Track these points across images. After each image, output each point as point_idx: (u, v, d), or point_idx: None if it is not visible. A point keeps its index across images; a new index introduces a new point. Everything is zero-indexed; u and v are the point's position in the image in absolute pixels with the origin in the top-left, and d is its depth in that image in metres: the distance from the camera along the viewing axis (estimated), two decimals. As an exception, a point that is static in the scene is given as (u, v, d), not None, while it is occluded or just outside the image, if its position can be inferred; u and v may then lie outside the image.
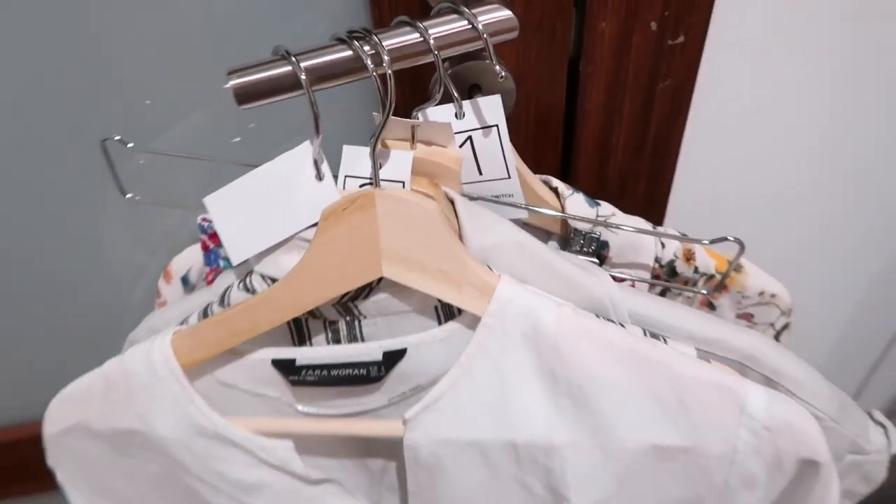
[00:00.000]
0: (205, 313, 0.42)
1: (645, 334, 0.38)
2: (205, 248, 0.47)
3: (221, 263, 0.47)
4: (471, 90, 0.45)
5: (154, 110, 0.50)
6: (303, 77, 0.33)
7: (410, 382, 0.42)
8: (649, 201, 0.55)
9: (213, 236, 0.46)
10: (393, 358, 0.40)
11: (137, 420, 0.42)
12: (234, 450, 0.42)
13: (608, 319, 0.38)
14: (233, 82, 0.33)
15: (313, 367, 0.41)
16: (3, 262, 0.57)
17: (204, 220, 0.46)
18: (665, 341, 0.38)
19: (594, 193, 0.45)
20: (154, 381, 0.40)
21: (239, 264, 0.46)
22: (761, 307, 0.49)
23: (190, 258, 0.50)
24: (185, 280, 0.51)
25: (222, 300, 0.42)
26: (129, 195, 0.45)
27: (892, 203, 0.63)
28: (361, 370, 0.40)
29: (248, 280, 0.41)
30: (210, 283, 0.49)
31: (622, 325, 0.38)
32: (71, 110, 0.49)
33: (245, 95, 0.33)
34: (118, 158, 0.43)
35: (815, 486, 0.38)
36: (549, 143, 0.50)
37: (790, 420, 0.36)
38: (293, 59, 0.33)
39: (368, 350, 0.40)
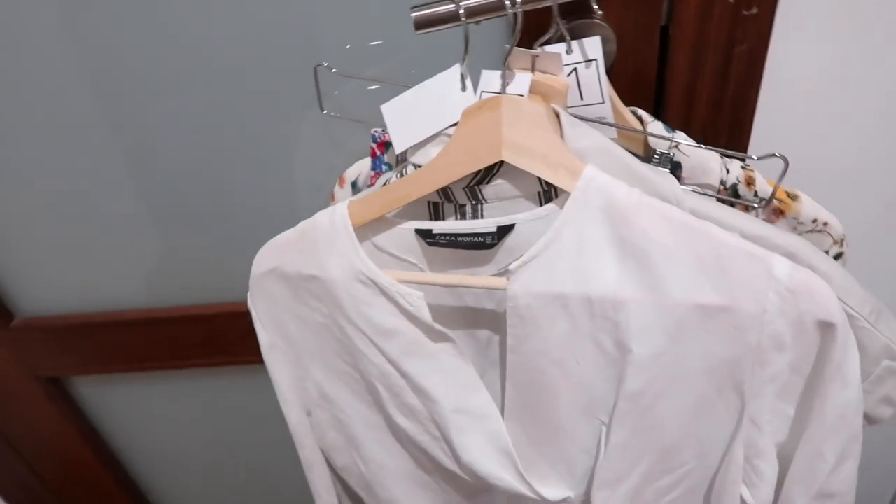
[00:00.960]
0: (369, 199, 0.58)
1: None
2: (373, 154, 0.63)
3: (384, 168, 0.63)
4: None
5: (348, 54, 0.67)
6: (461, 12, 0.48)
7: (517, 253, 0.54)
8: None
9: (381, 145, 0.62)
10: (503, 230, 0.54)
11: (317, 266, 0.57)
12: (381, 297, 0.56)
13: (671, 210, 0.50)
14: (414, 14, 0.49)
15: (445, 234, 0.55)
16: (212, 170, 0.77)
17: (375, 131, 0.62)
18: (716, 229, 0.49)
19: (678, 141, 0.56)
20: (333, 234, 0.56)
21: (397, 165, 0.62)
22: (815, 234, 0.57)
23: (359, 167, 0.66)
24: (354, 185, 0.67)
25: (384, 186, 0.57)
26: (325, 111, 0.62)
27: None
28: (480, 238, 0.54)
29: (403, 170, 0.56)
30: (373, 183, 0.65)
31: (682, 214, 0.50)
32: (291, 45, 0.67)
33: (421, 23, 0.49)
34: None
35: (832, 347, 0.46)
36: (642, 95, 0.62)
37: (808, 284, 0.45)
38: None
39: (486, 224, 0.54)
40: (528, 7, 0.48)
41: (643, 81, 0.61)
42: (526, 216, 0.53)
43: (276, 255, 0.60)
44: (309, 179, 0.76)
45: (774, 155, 0.50)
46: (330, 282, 0.57)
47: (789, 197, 0.56)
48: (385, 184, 0.57)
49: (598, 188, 0.48)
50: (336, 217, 0.56)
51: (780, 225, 0.57)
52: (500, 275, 0.56)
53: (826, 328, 0.46)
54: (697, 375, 0.51)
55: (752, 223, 0.51)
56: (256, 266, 0.61)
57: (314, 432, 0.67)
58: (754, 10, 0.56)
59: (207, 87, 0.70)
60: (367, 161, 0.65)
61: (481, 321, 0.60)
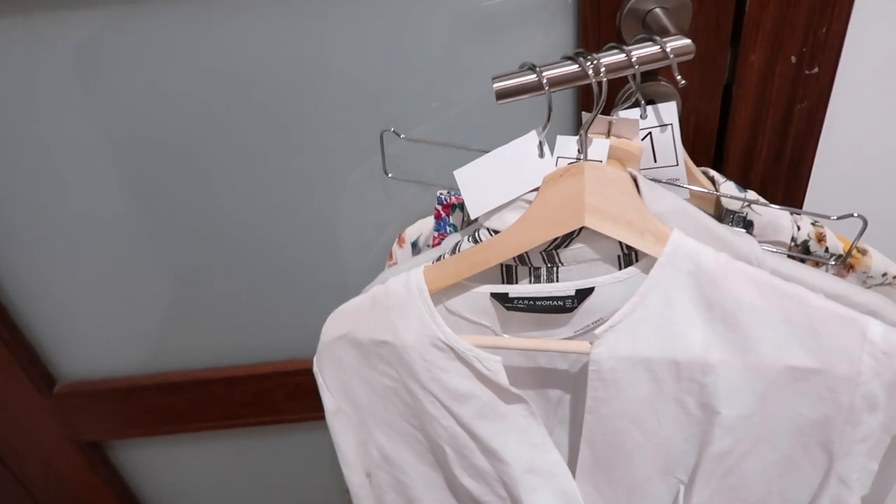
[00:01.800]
0: (437, 261, 0.58)
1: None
2: (437, 216, 0.63)
3: (448, 230, 0.64)
4: (647, 104, 0.59)
5: (401, 112, 0.68)
6: (544, 81, 0.49)
7: (594, 316, 0.55)
8: (786, 205, 0.66)
9: (447, 207, 0.62)
10: (583, 294, 0.54)
11: (390, 331, 0.57)
12: (456, 362, 0.56)
13: (754, 271, 0.50)
14: (496, 85, 0.50)
15: (522, 298, 0.55)
16: (273, 232, 0.77)
17: (441, 193, 0.62)
18: (800, 290, 0.50)
19: (740, 194, 0.57)
20: (407, 299, 0.56)
21: (464, 227, 0.62)
22: (884, 287, 0.58)
23: (420, 227, 0.66)
24: (414, 244, 0.67)
25: (454, 251, 0.57)
26: (390, 175, 0.62)
27: None
28: (559, 302, 0.54)
29: (476, 234, 0.56)
30: (436, 245, 0.65)
31: (765, 276, 0.50)
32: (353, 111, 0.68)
33: (503, 93, 0.50)
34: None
35: (927, 408, 0.47)
36: (704, 150, 0.63)
37: (904, 346, 0.46)
38: (538, 69, 0.49)
39: (564, 287, 0.54)
40: (612, 76, 0.49)
41: (704, 138, 0.62)
42: (606, 279, 0.53)
43: (347, 321, 0.59)
44: (359, 237, 0.76)
45: (853, 215, 0.51)
46: (402, 347, 0.57)
47: (859, 252, 0.57)
48: (456, 247, 0.57)
49: (685, 253, 0.49)
50: (411, 283, 0.56)
51: (850, 279, 0.58)
52: (576, 337, 0.56)
53: (921, 389, 0.46)
54: (785, 435, 0.51)
55: (833, 282, 0.51)
56: (326, 333, 0.60)
57: (372, 493, 0.66)
58: (815, 70, 0.58)
59: (255, 138, 0.70)
60: (429, 221, 0.65)
61: (553, 381, 0.61)
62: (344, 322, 0.59)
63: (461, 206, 0.62)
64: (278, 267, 0.79)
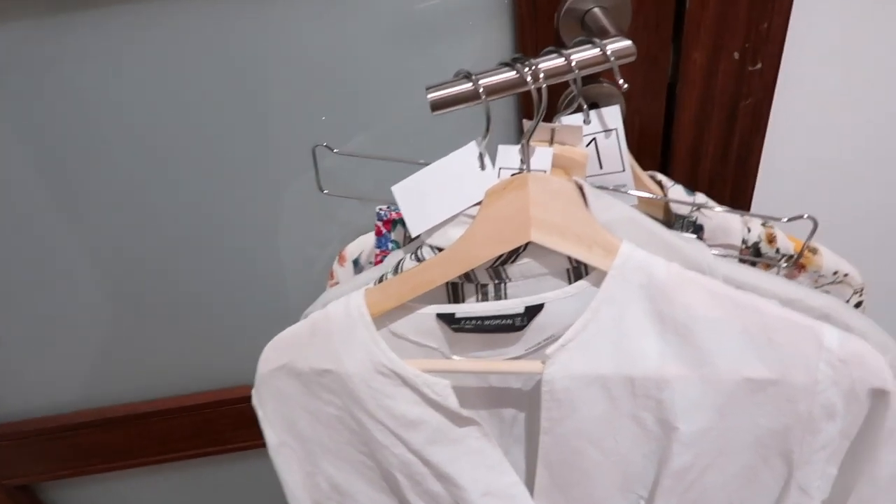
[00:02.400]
0: (379, 281, 0.55)
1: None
2: (378, 232, 0.60)
3: (390, 245, 0.60)
4: (590, 107, 0.57)
5: (333, 124, 0.64)
6: (481, 90, 0.46)
7: (545, 333, 0.52)
8: (734, 202, 0.65)
9: (387, 222, 0.59)
10: (532, 311, 0.51)
11: (331, 360, 0.54)
12: (403, 388, 0.53)
13: (706, 279, 0.48)
14: (430, 95, 0.46)
15: (469, 318, 0.52)
16: (204, 250, 0.72)
17: (380, 209, 0.59)
18: (754, 297, 0.48)
19: (687, 193, 0.55)
20: (349, 326, 0.52)
21: (408, 244, 0.59)
22: (836, 286, 0.57)
23: (361, 244, 0.63)
24: (356, 262, 0.64)
25: (396, 269, 0.54)
26: (325, 191, 0.58)
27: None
28: (508, 320, 0.52)
29: (418, 252, 0.53)
30: (378, 262, 0.61)
31: (718, 283, 0.48)
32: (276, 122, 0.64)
33: (439, 104, 0.46)
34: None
35: (886, 413, 0.46)
36: (649, 151, 0.61)
37: (861, 353, 0.44)
38: (473, 77, 0.46)
39: (513, 305, 0.51)
40: (552, 82, 0.46)
41: (650, 138, 0.60)
42: (556, 294, 0.51)
43: (285, 351, 0.55)
44: (299, 255, 0.72)
45: (803, 216, 0.49)
46: (346, 375, 0.54)
47: (810, 251, 0.55)
48: (398, 265, 0.53)
49: (636, 266, 0.47)
50: (352, 308, 0.52)
51: (802, 279, 0.57)
52: (528, 355, 0.54)
53: (879, 395, 0.46)
54: (744, 447, 0.50)
55: (786, 286, 0.50)
56: (263, 364, 0.56)
57: (323, 525, 0.63)
58: (759, 66, 0.56)
59: (186, 156, 0.65)
60: (370, 238, 0.62)
61: (506, 400, 0.58)
62: (282, 352, 0.56)
63: (402, 222, 0.59)
64: (215, 289, 0.75)
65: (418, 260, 0.53)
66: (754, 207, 0.65)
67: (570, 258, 0.50)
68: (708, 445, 0.50)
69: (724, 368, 0.47)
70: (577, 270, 0.51)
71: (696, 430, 0.49)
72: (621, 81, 0.46)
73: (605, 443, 0.53)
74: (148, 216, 0.69)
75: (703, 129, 0.60)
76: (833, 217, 0.70)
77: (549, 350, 0.50)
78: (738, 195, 0.64)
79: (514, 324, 0.52)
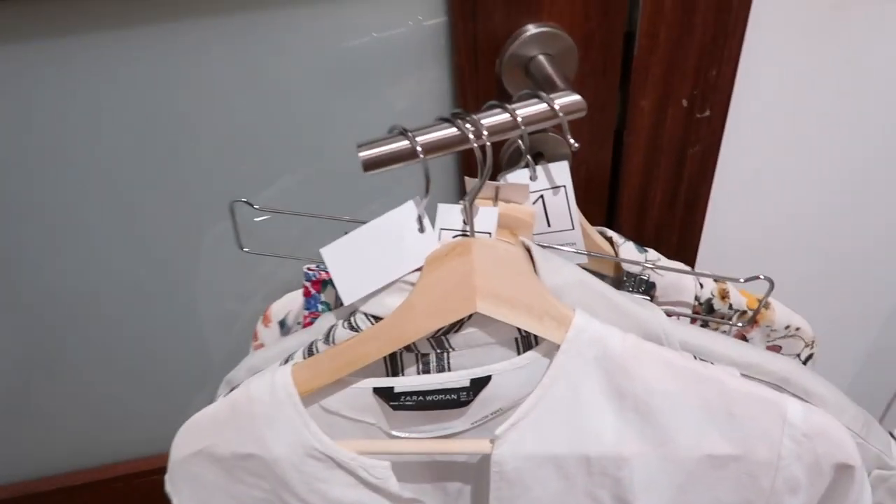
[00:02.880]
0: (310, 350, 0.49)
1: (695, 359, 0.45)
2: (307, 293, 0.54)
3: (320, 308, 0.55)
4: (535, 157, 0.53)
5: (254, 172, 0.58)
6: (419, 149, 0.41)
7: (492, 406, 0.48)
8: (682, 249, 0.62)
9: (316, 283, 0.53)
10: (479, 384, 0.47)
11: (256, 443, 0.48)
12: (338, 471, 0.48)
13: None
14: (363, 154, 0.42)
15: (410, 394, 0.47)
16: (113, 309, 0.64)
17: (309, 269, 0.53)
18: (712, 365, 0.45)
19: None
20: (275, 407, 0.47)
21: (340, 307, 0.53)
22: (788, 339, 0.55)
23: (288, 303, 0.57)
24: (282, 323, 0.58)
25: (327, 338, 0.48)
26: (245, 249, 0.52)
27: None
28: (452, 395, 0.47)
29: (352, 319, 0.48)
30: (307, 325, 0.56)
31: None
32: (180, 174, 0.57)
33: (371, 164, 0.42)
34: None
35: (850, 488, 0.44)
36: (596, 200, 0.58)
37: (825, 428, 0.42)
38: (409, 134, 0.42)
39: (458, 378, 0.47)
40: (496, 139, 0.42)
41: (597, 188, 0.57)
42: (504, 366, 0.46)
43: (203, 434, 0.49)
44: (218, 311, 0.66)
45: (760, 277, 0.47)
46: (272, 460, 0.48)
47: (763, 307, 0.53)
48: (329, 333, 0.48)
49: (590, 338, 0.43)
50: (278, 387, 0.47)
51: (754, 333, 0.55)
52: (474, 429, 0.49)
53: (843, 469, 0.43)
54: None
55: (743, 350, 0.47)
56: (178, 448, 0.50)
57: None
58: (707, 113, 0.54)
59: (90, 205, 0.58)
60: (297, 297, 0.56)
61: (451, 474, 0.54)
62: (197, 436, 0.49)
63: (332, 282, 0.53)
64: (125, 350, 0.67)
65: (352, 328, 0.47)
66: (700, 255, 0.63)
67: (519, 328, 0.46)
68: (668, 523, 0.47)
69: (684, 445, 0.44)
70: (527, 339, 0.47)
71: (655, 509, 0.46)
72: (572, 141, 0.42)
73: (559, 520, 0.49)
74: (52, 271, 0.61)
75: (650, 177, 0.57)
76: (779, 266, 0.69)
77: (498, 430, 0.45)
78: (685, 244, 0.62)
79: (459, 398, 0.47)
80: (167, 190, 0.58)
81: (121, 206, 0.58)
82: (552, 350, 0.45)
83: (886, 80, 0.59)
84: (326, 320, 0.52)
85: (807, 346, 0.56)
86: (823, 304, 0.73)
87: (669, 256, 0.53)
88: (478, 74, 0.49)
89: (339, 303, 0.55)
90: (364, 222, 0.48)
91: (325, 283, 0.54)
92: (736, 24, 0.49)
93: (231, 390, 0.52)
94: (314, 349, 0.49)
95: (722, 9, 0.48)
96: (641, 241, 0.61)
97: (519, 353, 0.47)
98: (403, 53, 0.52)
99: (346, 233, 0.52)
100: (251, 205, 0.49)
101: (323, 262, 0.54)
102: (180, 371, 0.69)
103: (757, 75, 0.55)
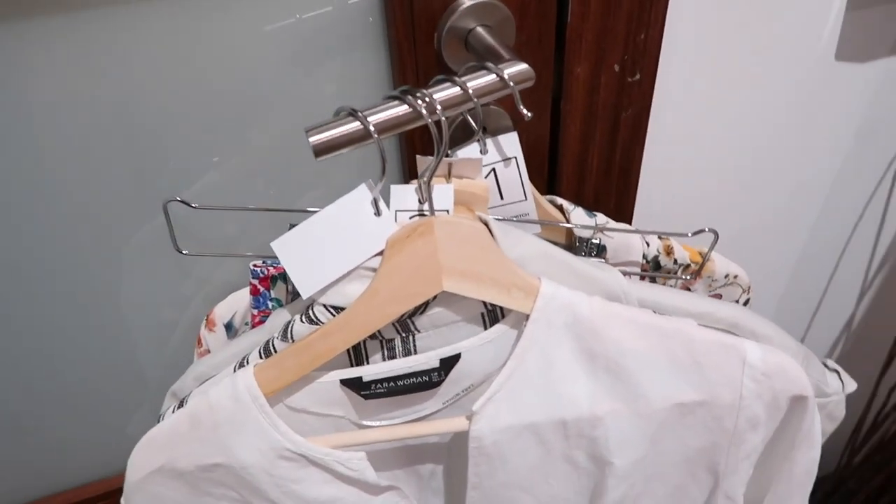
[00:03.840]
0: (266, 350, 0.47)
1: (656, 314, 0.47)
2: (254, 291, 0.52)
3: (270, 305, 0.52)
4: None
5: (180, 167, 0.55)
6: (372, 129, 0.40)
7: (463, 384, 0.48)
8: (619, 212, 0.64)
9: (264, 280, 0.51)
10: (449, 363, 0.46)
11: (221, 453, 0.45)
12: (311, 469, 0.47)
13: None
14: (313, 138, 0.40)
15: (380, 381, 0.46)
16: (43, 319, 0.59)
17: (255, 265, 0.51)
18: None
19: (575, 209, 0.53)
20: (239, 412, 0.44)
21: (293, 302, 0.51)
22: (727, 287, 0.58)
23: (233, 304, 0.54)
24: (228, 326, 0.55)
25: (285, 334, 0.46)
26: (185, 252, 0.49)
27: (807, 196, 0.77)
28: (423, 377, 0.46)
29: (310, 313, 0.46)
30: (257, 324, 0.53)
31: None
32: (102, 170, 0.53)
33: (323, 148, 0.40)
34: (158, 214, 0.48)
35: (804, 417, 0.47)
36: (537, 170, 0.59)
37: (782, 365, 0.45)
38: (360, 115, 0.40)
39: (426, 359, 0.46)
40: (449, 113, 0.41)
41: (537, 157, 0.58)
42: (473, 342, 0.46)
43: (161, 450, 0.46)
44: (154, 319, 0.61)
45: (705, 230, 0.49)
46: (240, 467, 0.46)
47: (704, 258, 0.56)
48: (287, 328, 0.46)
49: (559, 306, 0.44)
50: (241, 391, 0.44)
51: (698, 286, 0.57)
52: (446, 408, 0.49)
53: (798, 400, 0.46)
54: (674, 468, 0.50)
55: (695, 301, 0.50)
56: (135, 469, 0.46)
57: None
58: (637, 77, 0.55)
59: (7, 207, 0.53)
60: (243, 296, 0.54)
61: (424, 456, 0.54)
62: (157, 452, 0.46)
63: (283, 277, 0.51)
64: (49, 372, 0.61)
65: (311, 322, 0.46)
66: (636, 215, 0.65)
67: (485, 302, 0.46)
68: (641, 474, 0.49)
69: (655, 398, 0.45)
70: (493, 313, 0.47)
71: (630, 462, 0.48)
72: (524, 110, 0.42)
73: (538, 488, 0.50)
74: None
75: (588, 144, 0.58)
76: (704, 221, 0.73)
77: (475, 406, 0.45)
78: (620, 207, 0.63)
79: (431, 380, 0.47)
80: (83, 193, 0.53)
81: (33, 214, 0.53)
82: (520, 321, 0.45)
83: (797, 34, 0.62)
84: (280, 317, 0.49)
85: (744, 291, 0.59)
86: (745, 252, 0.78)
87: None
88: (416, 50, 0.48)
89: (290, 297, 0.53)
90: (308, 211, 0.46)
91: (275, 279, 0.51)
92: (661, -14, 0.51)
93: (181, 402, 0.49)
94: (271, 348, 0.47)
95: (648, -28, 0.50)
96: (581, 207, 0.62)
97: (486, 328, 0.47)
98: (330, 34, 0.51)
99: (291, 225, 0.50)
100: (188, 204, 0.46)
101: (269, 257, 0.52)
102: (115, 389, 0.64)
103: (680, 37, 0.56)
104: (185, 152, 0.54)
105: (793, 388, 0.45)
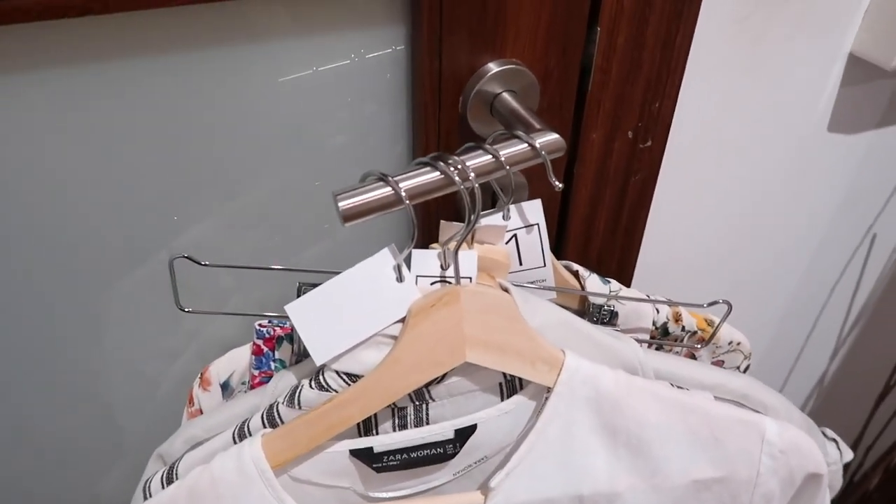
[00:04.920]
0: (269, 415, 0.45)
1: (672, 387, 0.46)
2: (258, 351, 0.49)
3: (273, 366, 0.50)
4: (494, 197, 0.52)
5: (178, 217, 0.52)
6: (403, 195, 0.39)
7: (477, 455, 0.46)
8: (620, 274, 0.64)
9: (269, 340, 0.49)
10: (465, 434, 0.45)
11: (221, 528, 0.43)
12: (316, 545, 0.44)
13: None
14: (342, 203, 0.38)
15: (392, 452, 0.44)
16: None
17: (261, 325, 0.48)
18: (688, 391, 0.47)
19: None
20: (243, 486, 0.42)
21: (297, 364, 0.49)
22: (730, 354, 0.59)
23: (232, 363, 0.51)
24: (224, 385, 0.52)
25: (292, 400, 0.44)
26: (188, 309, 0.47)
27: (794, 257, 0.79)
28: (438, 449, 0.45)
29: (322, 378, 0.44)
30: (256, 385, 0.51)
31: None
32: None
33: (353, 214, 0.38)
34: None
35: (817, 493, 0.47)
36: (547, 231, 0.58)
37: (798, 442, 0.45)
38: (391, 180, 0.39)
39: (441, 430, 0.44)
40: (481, 181, 0.40)
41: (549, 219, 0.57)
42: (490, 413, 0.45)
43: (155, 528, 0.43)
44: (139, 370, 0.58)
45: (720, 301, 0.49)
46: (242, 544, 0.43)
47: (709, 325, 0.56)
48: (295, 393, 0.44)
49: (583, 379, 0.43)
50: (246, 463, 0.42)
51: (703, 353, 0.57)
52: (457, 479, 0.47)
53: (812, 478, 0.46)
54: None
55: (708, 372, 0.49)
56: (124, 547, 0.43)
57: None
58: (649, 143, 0.56)
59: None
60: (243, 355, 0.51)
61: (428, 528, 0.51)
62: (150, 530, 0.43)
63: (289, 338, 0.49)
64: (21, 416, 0.57)
65: (322, 388, 0.44)
66: (636, 277, 0.65)
67: (504, 372, 0.45)
68: (654, 550, 0.48)
69: (674, 474, 0.45)
70: (511, 384, 0.45)
71: (645, 539, 0.46)
72: (556, 181, 0.42)
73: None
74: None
75: (596, 207, 0.58)
76: (699, 285, 0.73)
77: (493, 482, 0.44)
78: (622, 268, 0.64)
79: (446, 451, 0.45)
80: (70, 240, 0.50)
81: (11, 260, 0.49)
82: (540, 392, 0.44)
83: (794, 106, 0.64)
84: (285, 380, 0.47)
85: (745, 357, 0.59)
86: (750, 321, 0.79)
87: (609, 280, 0.54)
88: (440, 112, 0.47)
89: (295, 360, 0.51)
90: (321, 272, 0.44)
91: (281, 340, 0.49)
92: (678, 59, 0.52)
93: (170, 467, 0.46)
94: (276, 414, 0.44)
95: (667, 45, 0.50)
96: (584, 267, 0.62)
97: (503, 398, 0.46)
98: (346, 87, 0.49)
99: (300, 284, 0.49)
100: (197, 262, 0.44)
101: (275, 316, 0.49)
102: (87, 445, 0.60)
103: (686, 106, 0.57)
104: (185, 200, 0.52)
105: (808, 465, 0.45)
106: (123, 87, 0.45)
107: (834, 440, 0.58)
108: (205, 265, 0.44)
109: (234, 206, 0.54)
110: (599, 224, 0.59)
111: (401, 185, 0.39)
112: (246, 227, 0.55)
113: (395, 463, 0.44)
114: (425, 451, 0.45)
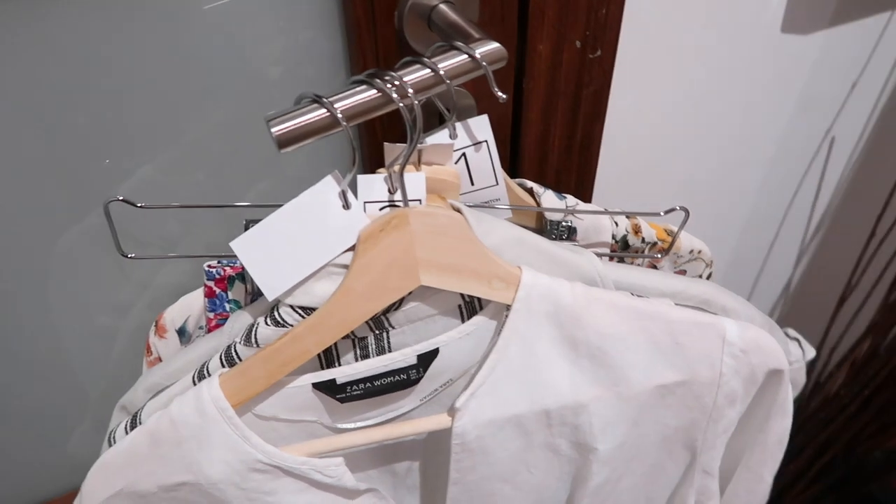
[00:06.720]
0: (227, 355, 0.44)
1: (633, 296, 0.46)
2: (210, 294, 0.48)
3: (228, 307, 0.49)
4: (439, 115, 0.50)
5: (112, 161, 0.50)
6: (339, 116, 0.37)
7: (441, 379, 0.46)
8: (579, 189, 0.63)
9: (220, 281, 0.47)
10: (427, 359, 0.44)
11: (186, 470, 0.42)
12: (285, 479, 0.44)
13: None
14: (276, 128, 0.36)
15: (355, 382, 0.44)
16: None
17: (210, 266, 0.47)
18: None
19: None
20: (205, 426, 0.41)
21: (253, 303, 0.48)
22: (691, 263, 0.58)
23: (186, 307, 0.50)
24: (181, 331, 0.51)
25: (248, 338, 0.43)
26: (131, 255, 0.45)
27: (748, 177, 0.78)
28: (401, 375, 0.44)
29: (277, 314, 0.43)
30: (213, 328, 0.49)
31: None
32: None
33: (288, 140, 0.37)
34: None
35: (779, 389, 0.48)
36: (499, 150, 0.56)
37: (758, 340, 0.45)
38: (326, 101, 0.37)
39: (402, 356, 0.44)
40: (421, 97, 0.39)
41: (500, 137, 0.56)
42: (451, 336, 0.44)
43: (120, 473, 0.42)
44: (88, 328, 0.56)
45: (676, 208, 0.48)
46: (208, 484, 0.43)
47: (669, 236, 0.56)
48: (252, 333, 0.43)
49: (541, 294, 0.42)
50: (205, 403, 0.41)
51: (664, 262, 0.57)
52: (424, 405, 0.47)
53: (774, 374, 0.47)
54: (653, 447, 0.50)
55: (668, 280, 0.49)
56: (91, 495, 0.43)
57: None
58: (599, 53, 0.54)
59: None
60: (196, 299, 0.50)
61: (400, 454, 0.52)
62: (115, 475, 0.42)
63: (241, 277, 0.48)
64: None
65: (278, 324, 0.43)
66: (596, 192, 0.64)
67: (462, 294, 0.44)
68: (623, 457, 0.49)
69: (637, 381, 0.45)
70: (471, 305, 0.45)
71: (613, 447, 0.47)
72: (498, 92, 0.40)
73: (519, 477, 0.49)
74: None
75: (549, 122, 0.56)
76: (660, 189, 0.73)
77: (458, 402, 0.44)
78: (581, 184, 0.63)
79: (409, 377, 0.45)
80: (7, 191, 0.48)
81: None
82: (500, 311, 0.44)
83: (746, 6, 0.63)
84: (241, 319, 0.46)
85: (707, 266, 0.59)
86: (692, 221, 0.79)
87: (569, 198, 0.54)
88: (376, 29, 0.45)
89: (250, 299, 0.49)
90: (264, 206, 0.43)
91: (232, 279, 0.48)
92: (622, -41, 0.49)
93: (133, 416, 0.45)
94: (234, 354, 0.43)
95: (610, -55, 0.48)
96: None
97: (464, 320, 0.45)
98: (274, 13, 0.47)
99: (246, 221, 0.47)
100: (132, 203, 0.42)
101: (223, 256, 0.48)
102: (52, 404, 0.59)
103: (635, 12, 0.55)
104: (117, 146, 0.49)
105: (769, 362, 0.46)
106: (31, 22, 0.42)
107: (796, 339, 0.59)
108: (140, 207, 0.42)
109: (172, 149, 0.51)
110: (554, 141, 0.58)
111: (336, 105, 0.37)
112: (187, 170, 0.52)
113: (358, 392, 0.44)
114: (389, 379, 0.44)
